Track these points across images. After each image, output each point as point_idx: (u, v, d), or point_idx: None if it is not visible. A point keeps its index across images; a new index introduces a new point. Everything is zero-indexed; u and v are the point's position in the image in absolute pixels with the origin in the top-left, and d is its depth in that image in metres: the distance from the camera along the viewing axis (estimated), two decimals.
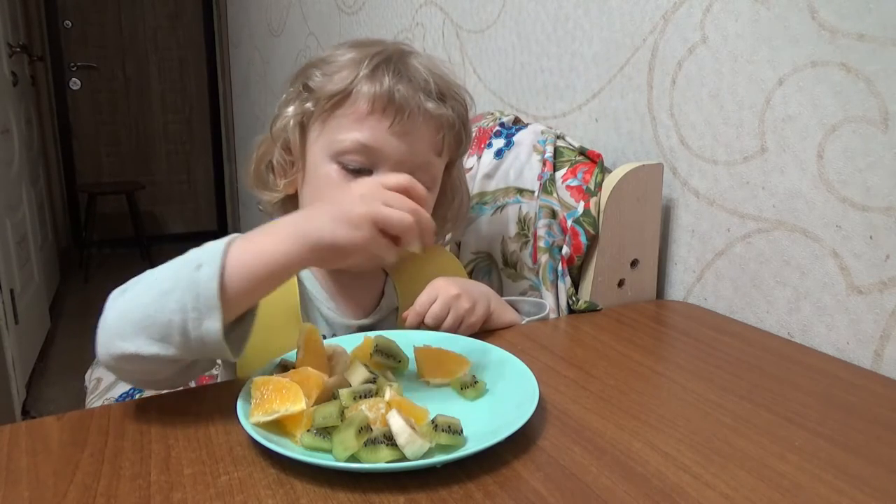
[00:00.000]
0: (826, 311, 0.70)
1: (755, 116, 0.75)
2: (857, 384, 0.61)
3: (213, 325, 0.51)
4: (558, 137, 0.91)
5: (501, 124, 0.98)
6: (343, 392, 0.52)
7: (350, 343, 0.62)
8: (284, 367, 0.57)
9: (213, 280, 0.51)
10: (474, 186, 0.93)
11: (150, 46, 3.92)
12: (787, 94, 0.72)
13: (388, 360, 0.60)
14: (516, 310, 0.78)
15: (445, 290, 0.69)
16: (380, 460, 0.46)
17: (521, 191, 0.91)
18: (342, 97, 0.69)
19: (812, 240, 0.71)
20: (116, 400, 1.19)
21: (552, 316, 0.81)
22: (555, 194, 0.86)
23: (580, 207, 0.81)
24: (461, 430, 0.49)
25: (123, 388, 1.23)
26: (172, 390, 0.59)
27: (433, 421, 0.48)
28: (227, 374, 0.75)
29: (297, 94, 0.73)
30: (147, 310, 0.51)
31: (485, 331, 0.72)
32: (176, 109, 4.03)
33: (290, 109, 0.73)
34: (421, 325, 0.69)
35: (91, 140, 3.88)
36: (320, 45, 2.08)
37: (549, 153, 0.88)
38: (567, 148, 0.90)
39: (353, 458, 0.46)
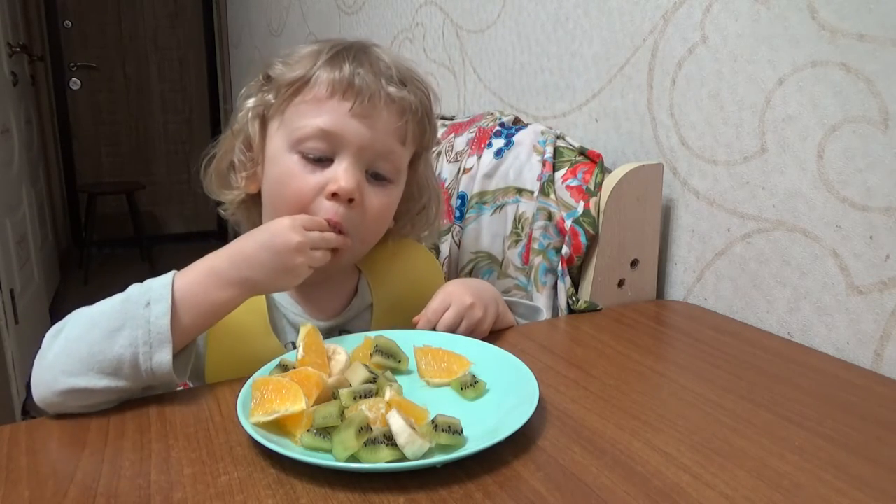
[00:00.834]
0: (826, 311, 0.70)
1: (755, 116, 0.75)
2: (857, 384, 0.61)
3: (164, 356, 0.55)
4: (558, 137, 0.91)
5: (501, 124, 0.98)
6: (343, 392, 0.52)
7: (350, 343, 0.62)
8: (284, 367, 0.57)
9: (165, 317, 0.56)
10: (474, 186, 0.93)
11: (150, 46, 3.91)
12: (787, 94, 0.72)
13: (388, 360, 0.60)
14: (512, 311, 0.78)
15: (460, 298, 0.68)
16: (380, 460, 0.46)
17: (520, 190, 0.91)
18: (301, 84, 0.67)
19: (812, 240, 0.71)
20: None
21: (544, 316, 0.81)
22: (553, 196, 0.86)
23: (580, 207, 0.81)
24: (461, 430, 0.49)
25: None
26: (172, 390, 0.59)
27: (433, 421, 0.48)
28: (195, 384, 0.74)
29: (258, 86, 0.72)
30: (95, 347, 0.54)
31: None
32: (176, 109, 4.03)
33: (250, 102, 0.71)
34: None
35: (91, 140, 3.88)
36: None
37: (548, 153, 0.88)
38: (567, 148, 0.90)
39: (353, 458, 0.46)
